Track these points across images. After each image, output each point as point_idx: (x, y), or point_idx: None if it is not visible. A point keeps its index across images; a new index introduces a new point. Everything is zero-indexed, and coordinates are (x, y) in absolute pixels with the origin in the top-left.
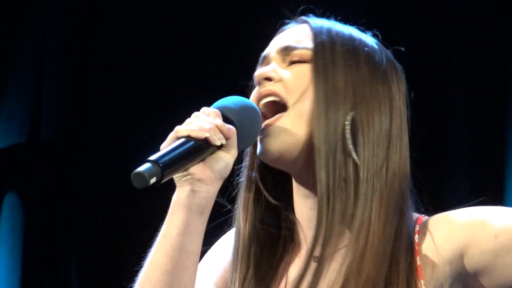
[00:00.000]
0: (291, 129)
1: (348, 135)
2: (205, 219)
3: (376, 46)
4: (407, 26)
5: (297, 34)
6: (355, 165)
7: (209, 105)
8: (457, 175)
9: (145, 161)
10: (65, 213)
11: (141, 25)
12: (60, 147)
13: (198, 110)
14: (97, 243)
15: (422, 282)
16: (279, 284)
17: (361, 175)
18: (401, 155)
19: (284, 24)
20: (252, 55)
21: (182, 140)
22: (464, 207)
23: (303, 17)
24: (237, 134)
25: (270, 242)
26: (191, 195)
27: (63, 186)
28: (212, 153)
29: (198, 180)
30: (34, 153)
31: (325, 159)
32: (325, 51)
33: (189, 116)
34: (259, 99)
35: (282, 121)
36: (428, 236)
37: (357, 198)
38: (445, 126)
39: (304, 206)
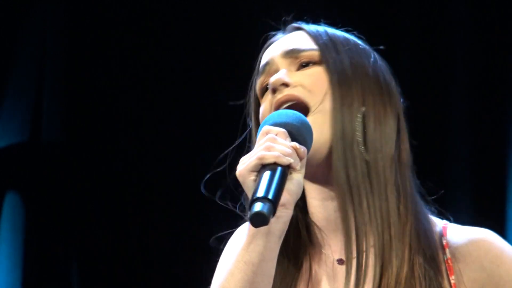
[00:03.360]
0: (319, 128)
1: (359, 127)
2: (281, 242)
3: (365, 45)
4: (407, 26)
5: (296, 39)
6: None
7: (213, 106)
8: (458, 177)
9: (256, 199)
10: (66, 212)
11: (141, 25)
12: (61, 146)
13: (197, 110)
14: (97, 242)
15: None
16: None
17: (374, 167)
18: (406, 145)
19: (271, 36)
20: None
21: (279, 170)
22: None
23: (295, 24)
24: None
25: (291, 247)
26: (274, 221)
27: (64, 185)
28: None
29: (281, 205)
30: (35, 152)
31: (343, 154)
32: (331, 51)
33: (189, 116)
34: (280, 105)
35: (310, 122)
36: (466, 259)
37: (373, 191)
38: (445, 126)
39: (325, 209)
